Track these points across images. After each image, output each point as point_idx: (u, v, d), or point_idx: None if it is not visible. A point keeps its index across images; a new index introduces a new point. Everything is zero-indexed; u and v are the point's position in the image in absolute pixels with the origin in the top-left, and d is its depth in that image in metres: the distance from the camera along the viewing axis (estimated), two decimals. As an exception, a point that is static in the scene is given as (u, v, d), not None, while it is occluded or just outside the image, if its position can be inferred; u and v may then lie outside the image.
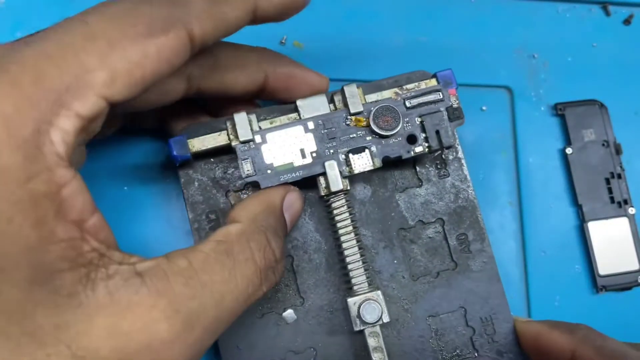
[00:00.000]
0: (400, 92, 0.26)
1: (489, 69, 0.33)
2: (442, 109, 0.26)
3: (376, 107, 0.25)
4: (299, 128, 0.26)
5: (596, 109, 0.33)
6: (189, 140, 0.26)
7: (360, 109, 0.26)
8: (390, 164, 0.26)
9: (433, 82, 0.27)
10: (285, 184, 0.25)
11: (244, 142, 0.25)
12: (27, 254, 0.16)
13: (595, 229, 0.31)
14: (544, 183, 0.32)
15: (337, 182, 0.25)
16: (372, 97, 0.26)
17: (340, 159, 0.26)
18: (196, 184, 0.27)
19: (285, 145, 0.25)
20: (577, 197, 0.32)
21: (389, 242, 0.28)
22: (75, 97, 0.17)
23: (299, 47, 0.32)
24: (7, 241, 0.16)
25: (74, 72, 0.17)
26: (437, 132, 0.26)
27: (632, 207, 0.31)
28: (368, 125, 0.26)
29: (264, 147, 0.25)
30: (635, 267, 0.31)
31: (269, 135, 0.25)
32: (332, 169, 0.25)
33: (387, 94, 0.26)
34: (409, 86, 0.27)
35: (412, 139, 0.26)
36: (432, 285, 0.27)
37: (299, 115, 0.26)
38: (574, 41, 0.34)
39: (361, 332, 0.25)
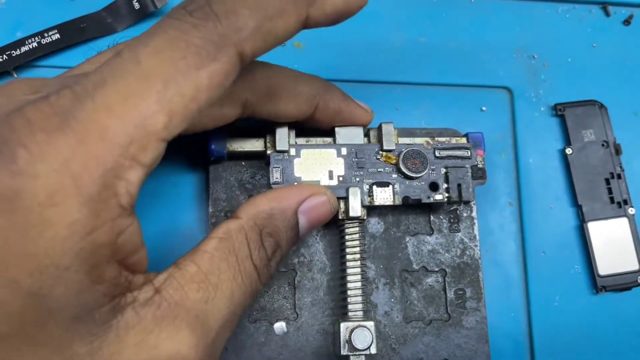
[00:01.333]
0: (431, 142, 0.28)
1: (489, 70, 0.33)
2: (467, 165, 0.27)
3: (407, 149, 0.27)
4: (333, 151, 0.27)
5: (596, 109, 0.33)
6: (228, 139, 0.27)
7: (393, 147, 0.27)
8: (408, 206, 0.27)
9: (463, 141, 0.28)
10: (316, 185, 0.26)
11: (279, 152, 0.26)
12: (76, 295, 0.17)
13: (595, 229, 0.31)
14: (543, 183, 0.32)
15: (357, 208, 0.26)
16: (404, 140, 0.28)
17: (364, 188, 0.27)
18: (223, 181, 0.28)
19: (316, 164, 0.27)
20: (577, 198, 0.32)
21: (390, 280, 0.28)
22: (139, 147, 0.17)
23: (299, 48, 0.32)
24: (61, 286, 0.17)
25: (135, 122, 0.17)
26: (459, 185, 0.27)
27: (632, 207, 0.32)
28: (396, 164, 0.27)
29: (296, 161, 0.27)
30: (635, 267, 0.31)
31: (303, 151, 0.27)
32: (355, 196, 0.26)
33: (419, 140, 0.28)
34: (441, 139, 0.28)
35: (434, 186, 0.27)
36: (423, 332, 0.28)
37: (334, 140, 0.27)
38: (574, 42, 0.34)
39: (347, 357, 0.25)
